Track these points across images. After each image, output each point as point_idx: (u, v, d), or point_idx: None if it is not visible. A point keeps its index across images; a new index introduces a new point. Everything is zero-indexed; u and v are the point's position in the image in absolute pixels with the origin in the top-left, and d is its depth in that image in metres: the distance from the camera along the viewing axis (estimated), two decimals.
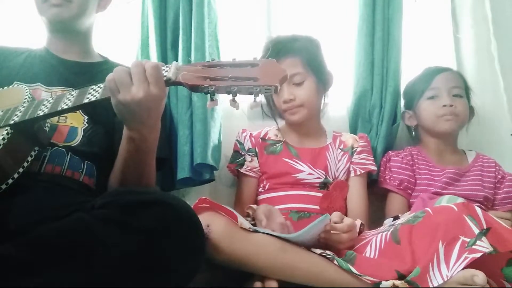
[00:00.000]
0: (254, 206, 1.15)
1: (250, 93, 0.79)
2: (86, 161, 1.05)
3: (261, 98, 0.83)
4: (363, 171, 1.35)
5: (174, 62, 0.88)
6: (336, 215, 1.06)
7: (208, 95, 0.81)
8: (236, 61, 0.84)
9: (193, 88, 0.82)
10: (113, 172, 1.04)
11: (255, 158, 1.35)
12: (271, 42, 1.31)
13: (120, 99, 0.84)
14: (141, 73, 0.84)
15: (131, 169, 0.99)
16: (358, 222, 1.12)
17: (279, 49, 1.27)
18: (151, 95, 0.84)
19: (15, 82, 1.09)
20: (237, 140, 1.40)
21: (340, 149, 1.38)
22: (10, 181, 0.88)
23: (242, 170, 1.34)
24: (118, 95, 0.84)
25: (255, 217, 1.09)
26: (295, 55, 1.29)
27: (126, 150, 0.96)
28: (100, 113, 1.08)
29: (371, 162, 1.38)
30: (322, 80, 1.34)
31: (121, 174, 1.01)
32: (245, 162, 1.35)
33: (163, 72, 0.86)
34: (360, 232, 1.12)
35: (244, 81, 0.79)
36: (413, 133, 1.51)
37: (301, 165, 1.32)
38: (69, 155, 1.03)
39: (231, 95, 0.80)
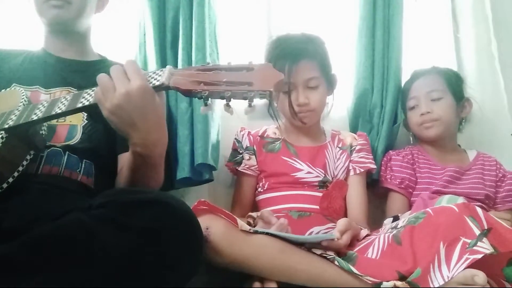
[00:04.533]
0: (254, 214, 1.13)
1: (244, 98, 0.77)
2: (84, 160, 1.05)
3: (257, 102, 0.81)
4: (362, 170, 1.35)
5: (168, 66, 0.85)
6: (342, 223, 1.04)
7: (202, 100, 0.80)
8: (232, 65, 0.81)
9: (187, 93, 0.80)
10: (121, 179, 1.02)
11: (253, 156, 1.34)
12: (282, 42, 1.28)
13: (107, 106, 0.82)
14: (119, 71, 0.82)
15: (140, 179, 0.97)
16: (364, 232, 1.13)
17: (294, 50, 1.25)
18: (134, 89, 0.80)
19: (14, 84, 1.08)
20: (235, 138, 1.39)
21: (339, 147, 1.37)
22: (5, 185, 0.88)
23: (240, 168, 1.34)
24: (105, 103, 0.82)
25: (256, 225, 1.07)
26: (311, 58, 1.27)
27: (133, 163, 0.94)
28: (100, 111, 1.08)
29: (370, 160, 1.37)
30: (330, 83, 1.34)
31: (129, 183, 0.99)
32: (243, 161, 1.34)
33: (157, 76, 0.84)
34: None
35: (238, 86, 0.77)
36: (412, 137, 1.51)
37: (299, 163, 1.31)
38: (66, 155, 1.02)
39: (225, 100, 0.78)
